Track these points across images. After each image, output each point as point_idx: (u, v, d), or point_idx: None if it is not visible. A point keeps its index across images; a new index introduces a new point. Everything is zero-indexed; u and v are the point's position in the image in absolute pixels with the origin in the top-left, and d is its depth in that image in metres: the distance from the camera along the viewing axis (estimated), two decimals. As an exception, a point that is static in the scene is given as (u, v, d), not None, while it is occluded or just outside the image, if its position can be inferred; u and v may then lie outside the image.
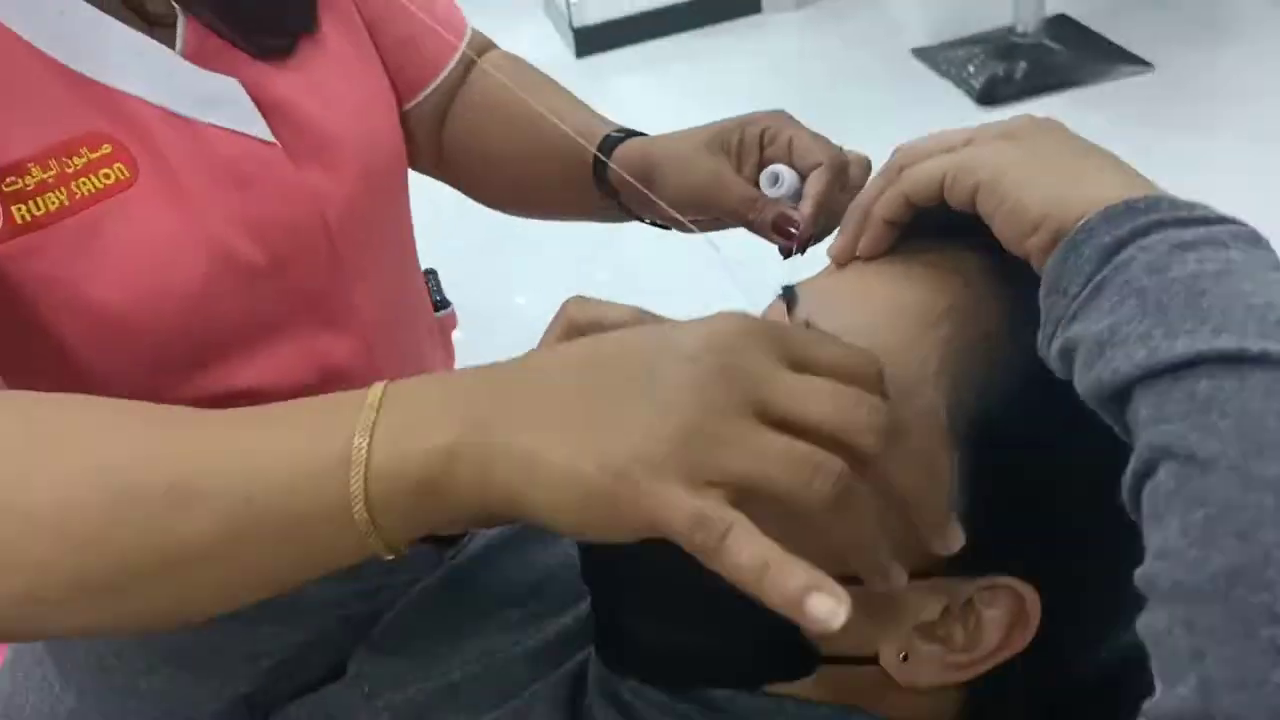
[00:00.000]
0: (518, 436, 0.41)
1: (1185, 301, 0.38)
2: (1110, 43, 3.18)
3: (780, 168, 0.67)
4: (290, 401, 0.47)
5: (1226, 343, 0.36)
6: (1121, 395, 0.39)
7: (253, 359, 0.68)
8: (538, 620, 0.64)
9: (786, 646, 0.49)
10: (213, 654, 0.61)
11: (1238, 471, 0.34)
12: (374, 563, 0.54)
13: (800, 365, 0.42)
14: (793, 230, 0.66)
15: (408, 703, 0.60)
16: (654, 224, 0.79)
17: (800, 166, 0.67)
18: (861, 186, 0.67)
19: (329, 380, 0.71)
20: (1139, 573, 0.36)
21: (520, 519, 0.42)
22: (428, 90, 0.83)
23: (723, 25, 3.76)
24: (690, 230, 0.75)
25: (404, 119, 0.83)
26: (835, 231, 0.56)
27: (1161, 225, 0.41)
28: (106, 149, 0.61)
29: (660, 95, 3.46)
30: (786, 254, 0.68)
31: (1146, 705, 0.34)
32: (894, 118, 3.03)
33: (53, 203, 0.59)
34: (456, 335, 0.98)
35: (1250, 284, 0.38)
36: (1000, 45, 3.22)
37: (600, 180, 0.78)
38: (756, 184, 0.68)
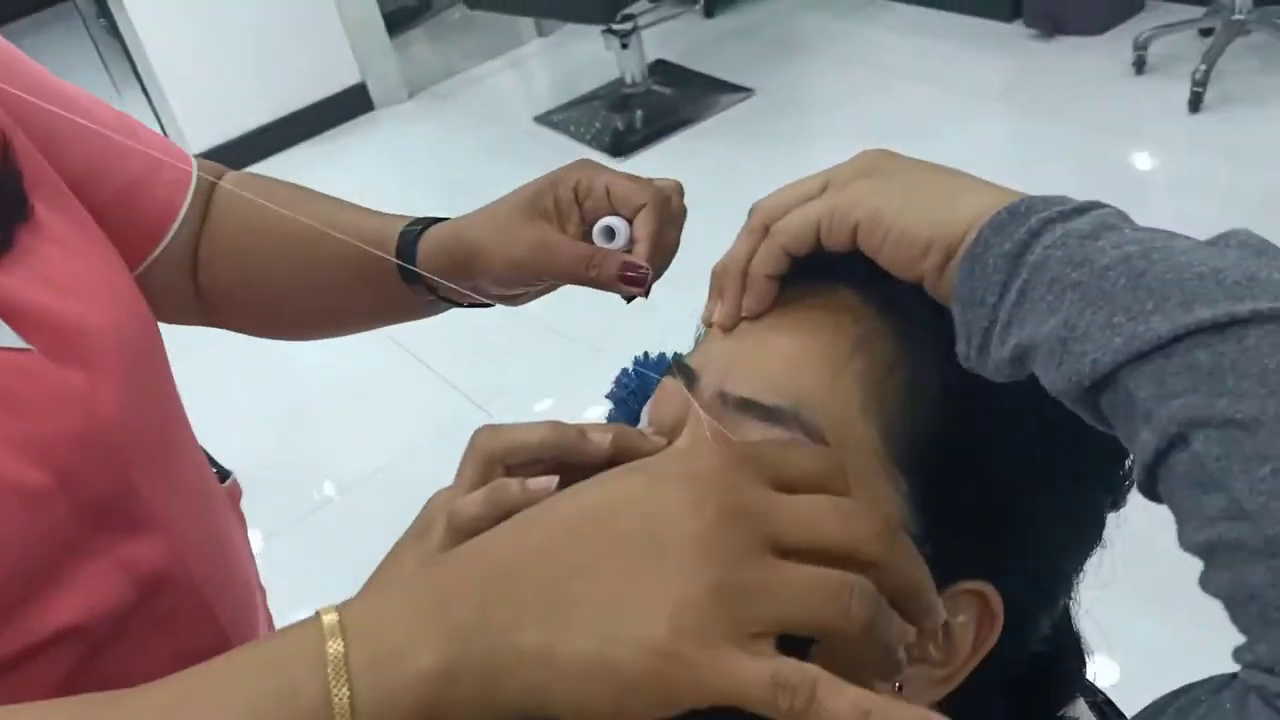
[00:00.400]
0: (521, 636, 0.38)
1: (1128, 284, 0.39)
2: (710, 77, 3.43)
3: (613, 220, 0.65)
4: (222, 661, 0.41)
5: (1205, 312, 0.37)
6: (1100, 385, 0.40)
7: (66, 591, 0.59)
8: None
9: None
10: None
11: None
12: None
13: (782, 484, 0.42)
14: (642, 277, 0.64)
15: None
16: (471, 306, 0.75)
17: (625, 212, 0.66)
18: (683, 215, 0.69)
19: (146, 591, 0.62)
20: (1199, 540, 0.37)
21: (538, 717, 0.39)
22: (168, 238, 0.74)
23: (340, 127, 3.69)
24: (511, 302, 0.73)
25: (145, 279, 0.73)
26: (717, 298, 0.55)
27: (1050, 222, 0.43)
28: None
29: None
30: (630, 299, 0.66)
31: (1239, 651, 0.35)
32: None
33: None
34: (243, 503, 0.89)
35: (1181, 255, 0.40)
36: (615, 98, 3.39)
37: (408, 275, 0.72)
38: (584, 240, 0.66)
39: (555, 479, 0.46)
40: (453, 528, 0.47)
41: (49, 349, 0.59)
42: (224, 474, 0.81)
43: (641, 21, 3.35)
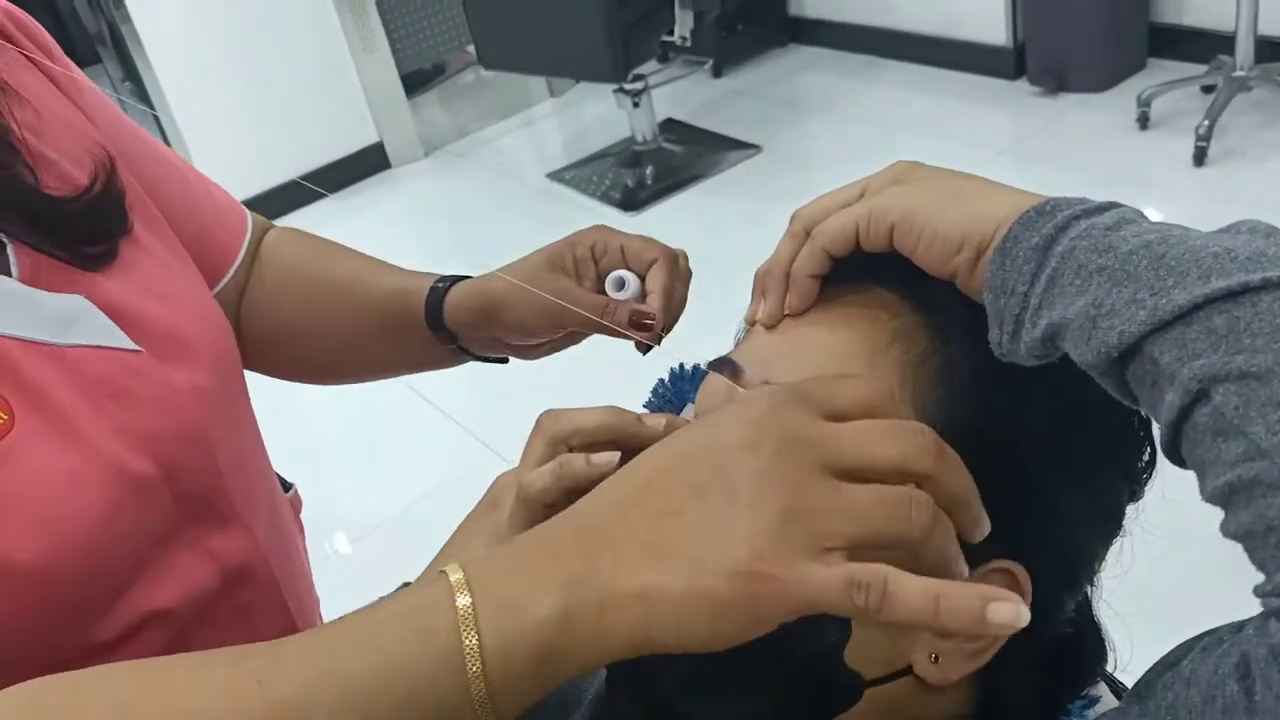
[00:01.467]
0: (622, 580, 0.41)
1: (1150, 265, 0.43)
2: (719, 135, 3.50)
3: (623, 272, 0.72)
4: (357, 617, 0.45)
5: (1220, 282, 0.41)
6: (1127, 355, 0.44)
7: (160, 576, 0.65)
8: None
9: (833, 682, 0.51)
10: None
11: None
12: None
13: (833, 415, 0.45)
14: (649, 322, 0.70)
15: None
16: (486, 359, 0.82)
17: (637, 268, 0.73)
18: (689, 275, 0.75)
19: (230, 581, 0.68)
20: (1220, 484, 0.40)
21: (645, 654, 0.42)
22: (224, 282, 0.82)
23: (358, 185, 3.77)
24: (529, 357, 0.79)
25: None
26: (754, 298, 0.59)
27: (1076, 218, 0.47)
28: None
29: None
30: (645, 349, 0.72)
31: (1258, 587, 0.38)
32: (550, 238, 3.15)
33: None
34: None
35: (1197, 239, 0.44)
36: (626, 155, 3.45)
37: (436, 327, 0.79)
38: (600, 293, 0.73)
39: (617, 454, 0.50)
40: (522, 498, 0.51)
41: (154, 351, 0.66)
42: (286, 485, 0.87)
43: (651, 81, 3.43)
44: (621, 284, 0.72)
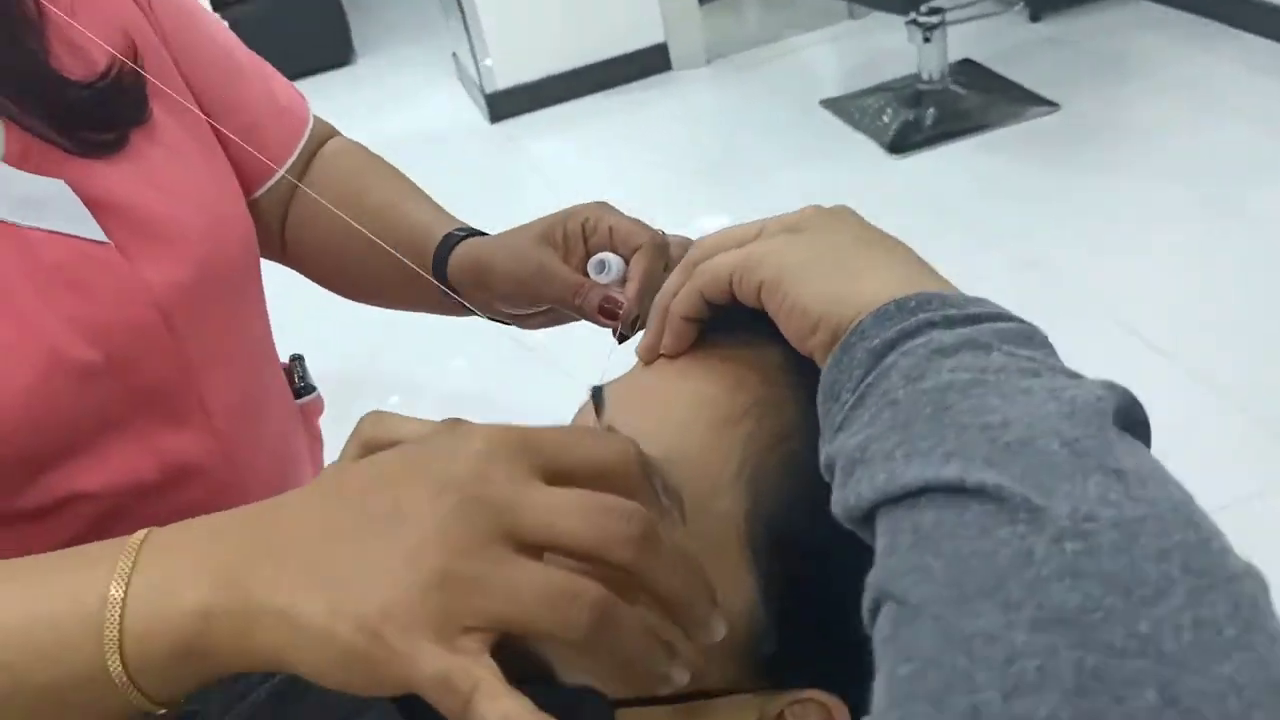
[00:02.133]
0: (272, 595, 0.40)
1: (930, 416, 0.37)
2: (1016, 85, 3.22)
3: (605, 255, 0.69)
4: (53, 555, 0.46)
5: (952, 471, 0.35)
6: (867, 519, 0.38)
7: (95, 459, 0.66)
8: None
9: None
10: None
11: (939, 623, 0.33)
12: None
13: (556, 475, 0.41)
14: (617, 311, 0.67)
15: None
16: (492, 319, 0.80)
17: (623, 251, 0.69)
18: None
19: (175, 477, 0.69)
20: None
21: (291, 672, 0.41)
22: (271, 181, 0.82)
23: (634, 84, 3.77)
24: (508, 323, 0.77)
25: (249, 208, 0.80)
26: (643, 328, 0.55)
27: (930, 326, 0.40)
28: None
29: (576, 156, 3.45)
30: (621, 338, 0.69)
31: None
32: (807, 166, 3.05)
33: None
34: (324, 420, 0.94)
35: (997, 397, 0.37)
36: (907, 93, 3.25)
37: (441, 279, 0.78)
38: (585, 272, 0.70)
39: None
40: None
41: (129, 244, 0.66)
42: (308, 389, 0.89)
43: (953, 16, 3.18)
44: (603, 266, 0.68)
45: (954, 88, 3.23)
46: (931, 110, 3.17)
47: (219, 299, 0.72)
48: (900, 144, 3.06)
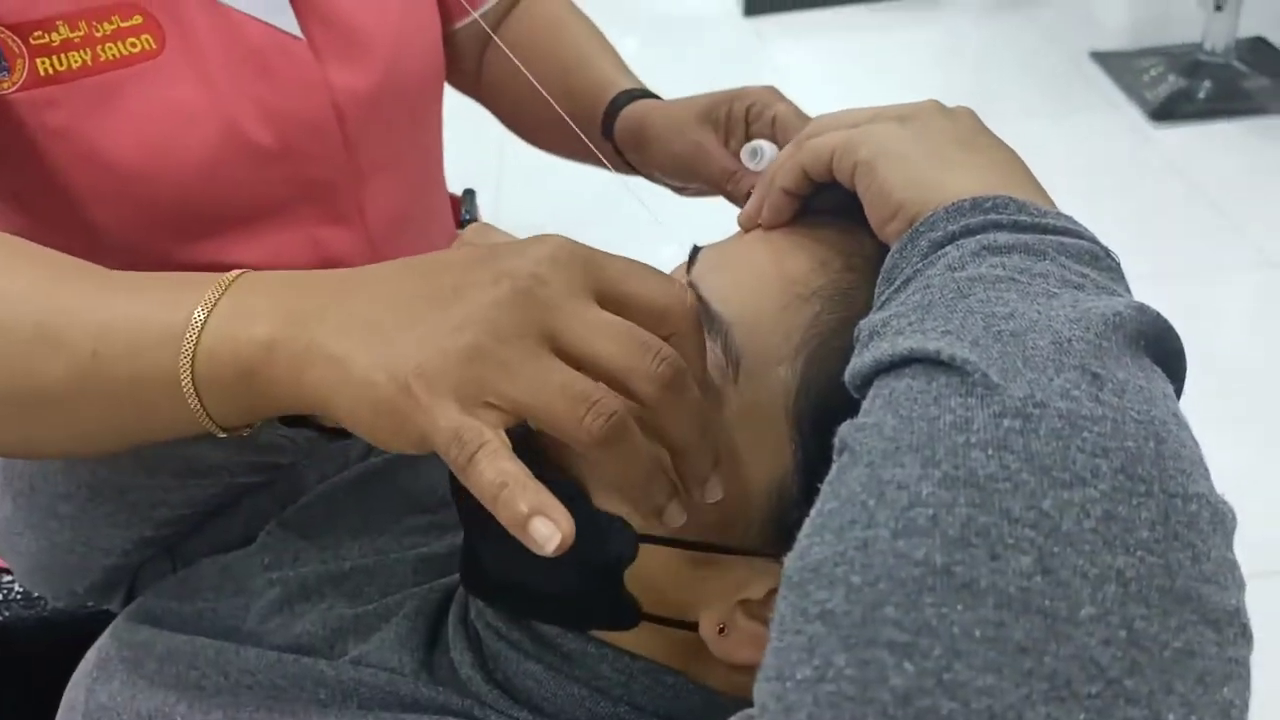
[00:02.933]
0: (331, 340, 0.43)
1: (949, 302, 0.39)
2: (1306, 73, 3.00)
3: (761, 143, 0.68)
4: (164, 274, 0.50)
5: (935, 344, 0.37)
6: (869, 385, 0.40)
7: (254, 237, 0.71)
8: (439, 530, 0.67)
9: (609, 597, 0.50)
10: (119, 493, 0.63)
11: (870, 469, 0.35)
12: (266, 439, 0.58)
13: (611, 299, 0.43)
14: None
15: (298, 579, 0.63)
16: (650, 179, 0.81)
17: (783, 141, 0.68)
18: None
19: (320, 268, 0.75)
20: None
21: (331, 419, 0.44)
22: (473, 16, 0.85)
23: (897, 3, 3.67)
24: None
25: (449, 38, 0.84)
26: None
27: (995, 226, 0.41)
28: (138, 19, 0.65)
29: (819, 68, 3.40)
30: None
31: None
32: (1060, 120, 2.93)
33: (76, 61, 0.63)
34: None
35: (1018, 295, 0.38)
36: (1185, 61, 3.07)
37: (608, 134, 0.79)
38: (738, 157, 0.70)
39: None
40: None
41: (319, 42, 0.71)
42: (470, 219, 0.94)
43: (1257, -11, 2.97)
44: (756, 154, 0.67)
45: (1237, 64, 3.03)
46: (1208, 83, 2.99)
47: (396, 110, 0.76)
48: (1165, 113, 2.91)
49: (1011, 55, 3.36)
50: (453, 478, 0.55)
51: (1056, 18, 3.53)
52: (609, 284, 0.44)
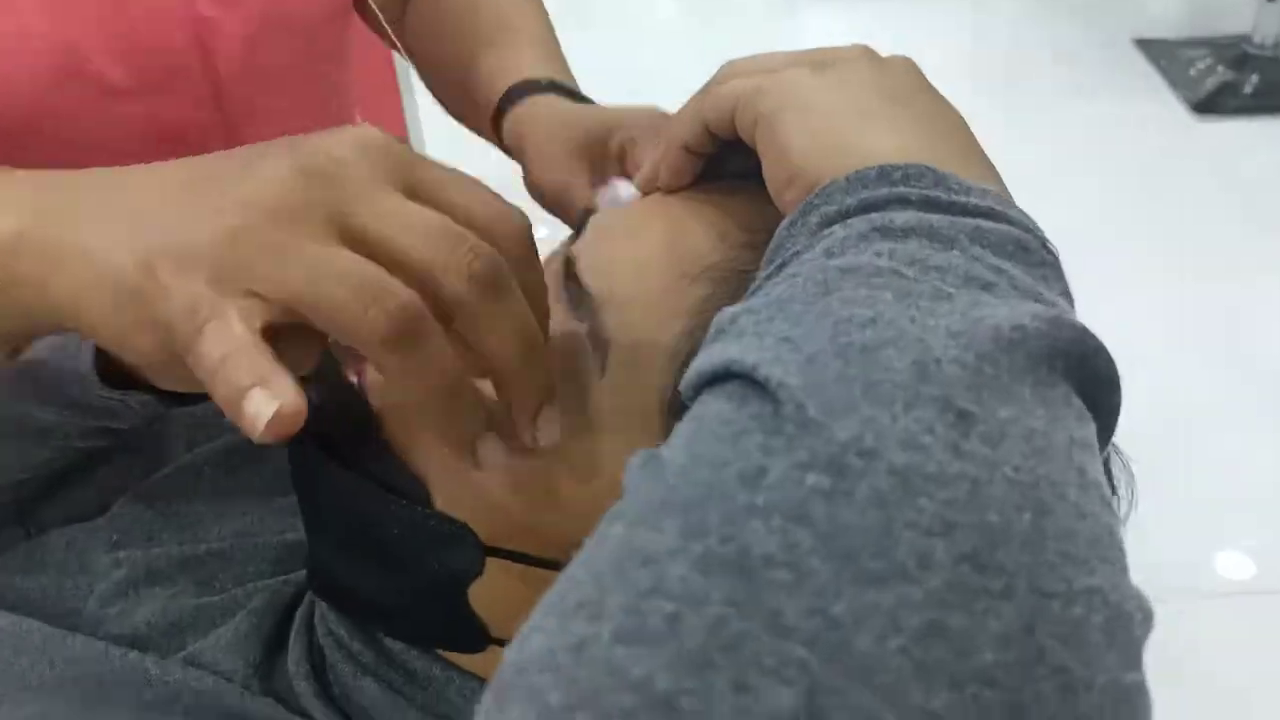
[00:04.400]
0: (85, 231, 0.37)
1: (809, 298, 0.31)
2: (1360, 72, 2.88)
3: (618, 182, 0.59)
4: None
5: (754, 357, 0.29)
6: (693, 398, 0.32)
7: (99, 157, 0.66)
8: None
9: (451, 615, 0.45)
10: None
11: (628, 530, 0.27)
12: (98, 402, 0.53)
13: (425, 202, 0.36)
14: None
15: (146, 560, 0.57)
16: None
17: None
18: None
19: None
20: None
21: (81, 332, 0.38)
22: None
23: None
24: None
25: None
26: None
27: (900, 203, 0.33)
28: None
29: (856, 37, 3.29)
30: None
31: None
32: (1097, 105, 2.82)
33: None
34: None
35: (896, 296, 0.30)
36: (1232, 53, 2.95)
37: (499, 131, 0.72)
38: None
39: None
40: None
41: None
42: None
43: (1312, -19, 2.84)
44: (613, 197, 0.59)
45: (1288, 59, 2.91)
46: (1255, 77, 2.86)
47: (283, 57, 0.69)
48: (1209, 105, 2.79)
49: (1051, 35, 3.24)
50: (292, 465, 0.49)
51: (1096, 2, 3.41)
52: (424, 187, 0.37)
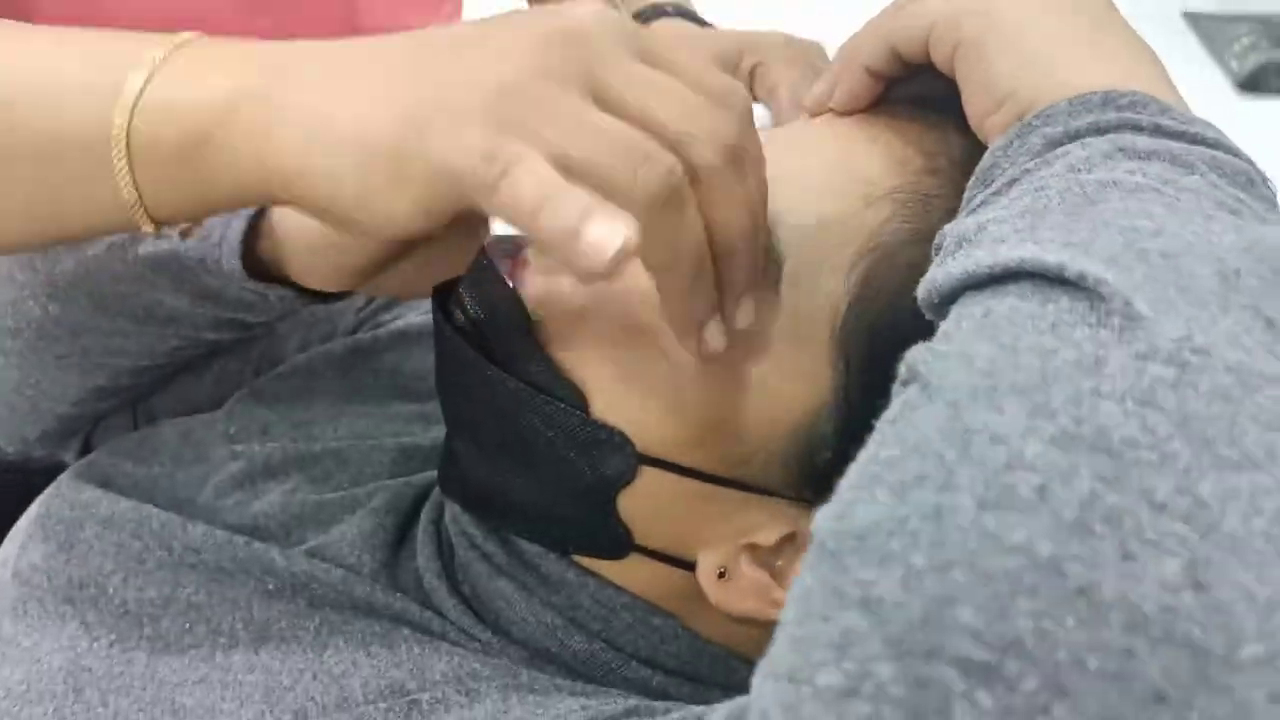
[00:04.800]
0: (311, 92, 0.36)
1: (1072, 209, 0.31)
2: None
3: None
4: (114, 30, 0.42)
5: (1055, 256, 0.29)
6: (950, 303, 0.32)
7: None
8: (425, 422, 0.61)
9: (598, 521, 0.45)
10: (71, 334, 0.58)
11: (952, 410, 0.27)
12: (233, 293, 0.54)
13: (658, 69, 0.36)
14: None
15: (263, 454, 0.58)
16: None
17: (775, 120, 0.60)
18: None
19: None
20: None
21: (294, 203, 0.37)
22: None
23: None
24: None
25: None
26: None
27: (1133, 128, 0.34)
28: None
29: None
30: None
31: None
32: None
33: None
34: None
35: (1165, 209, 0.30)
36: (1278, 32, 2.91)
37: None
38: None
39: None
40: None
41: None
42: None
43: (1368, -40, 2.80)
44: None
45: (1338, 39, 2.87)
46: (1300, 57, 2.83)
47: None
48: (1254, 83, 2.75)
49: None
50: (439, 367, 0.49)
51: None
52: (656, 57, 0.37)
